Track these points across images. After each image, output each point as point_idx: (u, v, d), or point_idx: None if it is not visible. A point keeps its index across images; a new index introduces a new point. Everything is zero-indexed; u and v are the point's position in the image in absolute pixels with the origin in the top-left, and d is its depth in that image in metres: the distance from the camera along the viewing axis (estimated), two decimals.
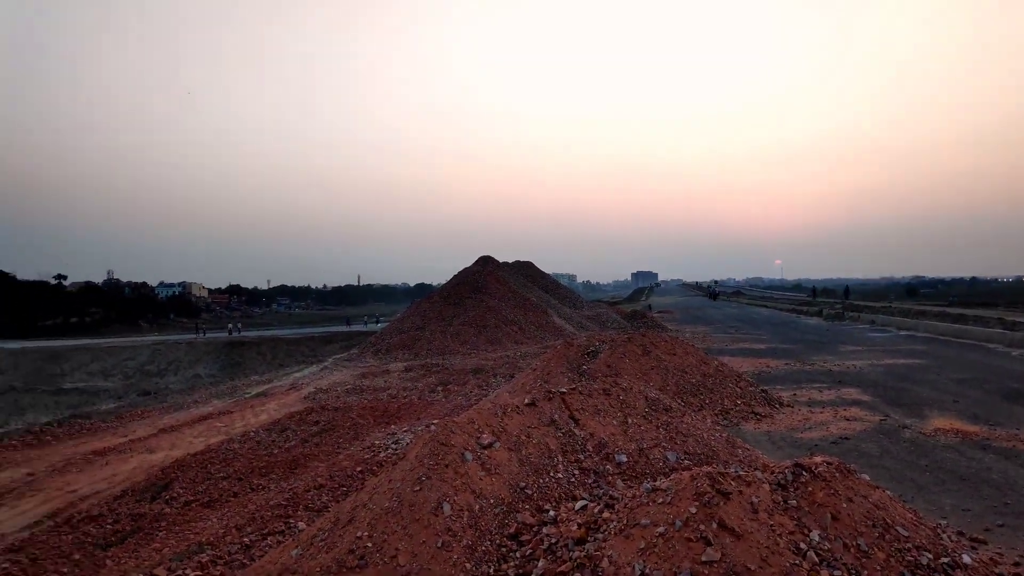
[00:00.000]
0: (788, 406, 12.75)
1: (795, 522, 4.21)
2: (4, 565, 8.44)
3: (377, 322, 55.00)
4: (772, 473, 4.71)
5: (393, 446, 13.04)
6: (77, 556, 8.81)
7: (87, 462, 13.99)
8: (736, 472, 4.57)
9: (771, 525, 4.12)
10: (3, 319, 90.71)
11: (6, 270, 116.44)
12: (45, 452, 15.62)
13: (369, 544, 4.54)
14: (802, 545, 4.02)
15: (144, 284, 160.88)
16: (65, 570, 8.46)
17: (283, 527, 9.15)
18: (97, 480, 12.53)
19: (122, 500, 10.80)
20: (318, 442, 14.27)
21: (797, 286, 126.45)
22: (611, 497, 4.96)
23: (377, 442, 13.54)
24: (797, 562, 3.87)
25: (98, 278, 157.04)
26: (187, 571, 7.85)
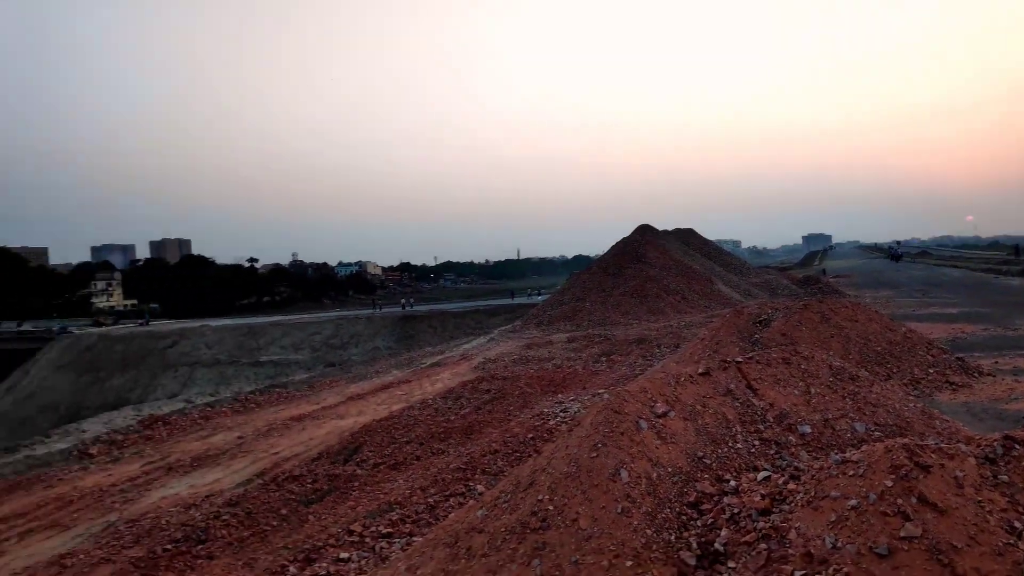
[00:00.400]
0: (989, 375, 11.62)
1: (1007, 499, 3.88)
2: (225, 517, 9.53)
3: (539, 294, 55.81)
4: (978, 446, 4.36)
5: (561, 414, 13.31)
6: (284, 511, 9.78)
7: (286, 427, 15.44)
8: (936, 444, 4.28)
9: (979, 501, 3.82)
10: (207, 299, 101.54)
11: (207, 255, 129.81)
12: (251, 418, 17.42)
13: (550, 507, 4.70)
14: (1016, 524, 3.70)
15: (325, 264, 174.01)
16: (275, 523, 9.42)
17: (463, 489, 9.67)
18: (296, 443, 13.80)
19: (319, 462, 11.82)
20: (490, 409, 14.83)
21: (994, 244, 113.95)
22: (796, 468, 4.80)
23: (546, 410, 13.86)
24: (1011, 542, 3.57)
25: (285, 260, 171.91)
26: (380, 528, 8.51)
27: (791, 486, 4.53)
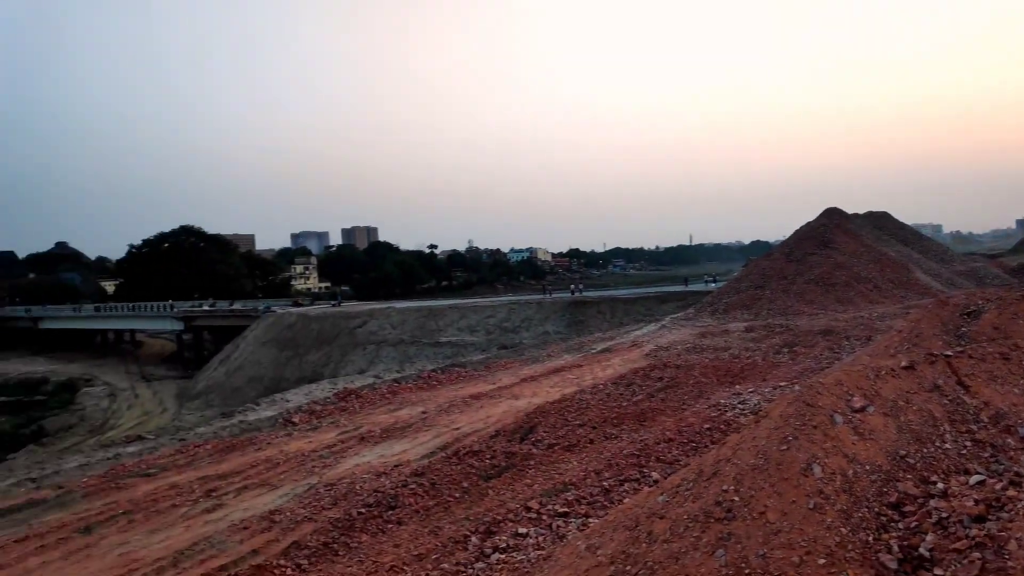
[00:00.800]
0: None
1: None
2: (412, 486, 10.15)
3: (715, 281, 53.97)
4: None
5: (739, 406, 12.90)
6: (465, 484, 10.25)
7: (466, 404, 16.14)
8: None
9: None
10: (391, 283, 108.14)
11: (392, 242, 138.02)
12: (433, 394, 18.39)
13: (736, 498, 4.61)
14: None
15: (498, 251, 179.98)
16: (457, 495, 9.90)
17: (637, 475, 9.67)
18: (475, 420, 14.41)
19: (496, 439, 12.25)
20: (663, 397, 14.67)
21: None
22: (1016, 474, 4.36)
23: (722, 401, 13.50)
24: None
25: (461, 247, 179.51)
26: (556, 507, 8.72)
27: (1011, 492, 4.13)
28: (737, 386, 15.30)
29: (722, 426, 11.52)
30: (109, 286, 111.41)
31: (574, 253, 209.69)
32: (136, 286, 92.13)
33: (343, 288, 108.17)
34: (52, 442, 38.01)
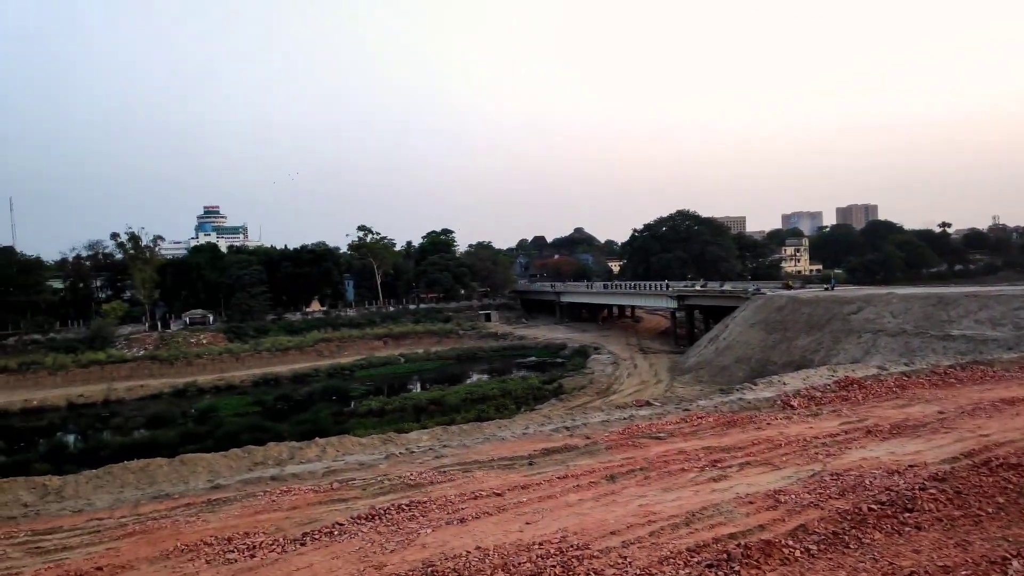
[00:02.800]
0: None
1: None
2: (931, 491, 9.29)
3: None
4: None
5: None
6: (1000, 500, 8.98)
7: (995, 409, 14.03)
8: None
9: None
10: (892, 266, 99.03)
11: (894, 221, 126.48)
12: (950, 393, 16.39)
13: None
14: None
15: None
16: (989, 510, 8.74)
17: None
18: (1008, 428, 12.45)
19: None
20: None
21: None
22: None
23: None
24: None
25: (983, 224, 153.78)
26: None
27: None
28: None
29: None
30: (614, 266, 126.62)
31: None
32: (636, 265, 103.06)
33: (836, 271, 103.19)
34: (568, 399, 44.74)
